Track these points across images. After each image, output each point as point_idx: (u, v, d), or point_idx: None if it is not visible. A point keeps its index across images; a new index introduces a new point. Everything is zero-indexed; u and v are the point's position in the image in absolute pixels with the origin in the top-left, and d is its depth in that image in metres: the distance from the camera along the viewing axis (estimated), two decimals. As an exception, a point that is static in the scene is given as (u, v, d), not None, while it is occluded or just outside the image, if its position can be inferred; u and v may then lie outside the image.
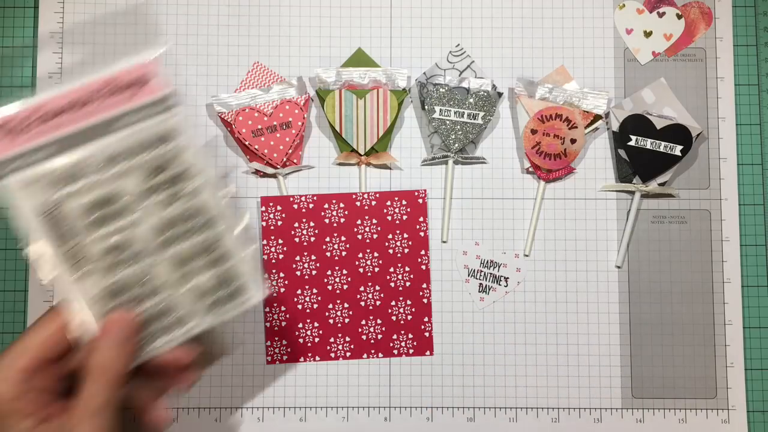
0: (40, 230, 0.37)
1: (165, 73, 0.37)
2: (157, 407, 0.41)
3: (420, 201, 0.52)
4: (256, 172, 0.52)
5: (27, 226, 0.37)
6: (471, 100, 0.51)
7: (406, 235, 0.52)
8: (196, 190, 0.39)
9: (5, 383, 0.37)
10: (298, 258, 0.51)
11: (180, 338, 0.40)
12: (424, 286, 0.52)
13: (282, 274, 0.51)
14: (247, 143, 0.51)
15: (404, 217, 0.52)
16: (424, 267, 0.52)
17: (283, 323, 0.51)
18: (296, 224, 0.52)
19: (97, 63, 0.38)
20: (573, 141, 0.52)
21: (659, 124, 0.52)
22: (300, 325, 0.51)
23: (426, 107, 0.51)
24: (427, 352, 0.52)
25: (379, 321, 0.51)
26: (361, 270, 0.51)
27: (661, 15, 0.54)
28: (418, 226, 0.52)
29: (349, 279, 0.51)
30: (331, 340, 0.51)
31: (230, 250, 0.40)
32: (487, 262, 0.52)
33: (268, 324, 0.51)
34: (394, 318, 0.52)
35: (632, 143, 0.52)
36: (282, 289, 0.51)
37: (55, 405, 0.38)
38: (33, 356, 0.38)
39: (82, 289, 0.38)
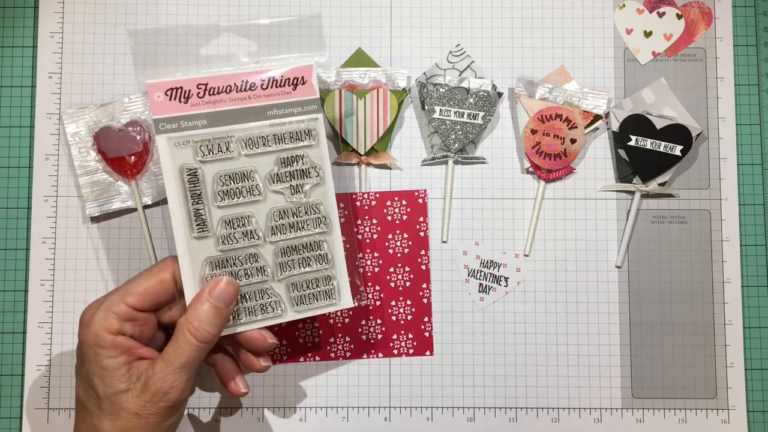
0: (178, 186, 0.40)
1: (316, 77, 0.41)
2: (235, 379, 0.45)
3: (420, 201, 0.52)
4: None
5: (168, 181, 0.40)
6: (471, 100, 0.51)
7: (406, 235, 0.52)
8: (314, 188, 0.42)
9: (110, 318, 0.39)
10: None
11: (264, 322, 0.43)
12: (424, 286, 0.52)
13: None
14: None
15: (404, 217, 0.52)
16: (424, 267, 0.52)
17: (284, 323, 0.51)
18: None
19: (262, 56, 0.43)
20: (573, 141, 0.52)
21: (659, 124, 0.52)
22: (300, 325, 0.51)
23: (426, 107, 0.51)
24: (427, 352, 0.52)
25: (379, 321, 0.51)
26: (361, 270, 0.51)
27: (661, 15, 0.54)
28: (418, 226, 0.52)
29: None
30: (331, 340, 0.51)
31: (333, 252, 0.43)
32: (487, 262, 0.52)
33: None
34: (394, 318, 0.52)
35: (632, 143, 0.52)
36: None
37: (142, 350, 0.40)
38: (135, 300, 0.39)
39: (196, 249, 0.41)
